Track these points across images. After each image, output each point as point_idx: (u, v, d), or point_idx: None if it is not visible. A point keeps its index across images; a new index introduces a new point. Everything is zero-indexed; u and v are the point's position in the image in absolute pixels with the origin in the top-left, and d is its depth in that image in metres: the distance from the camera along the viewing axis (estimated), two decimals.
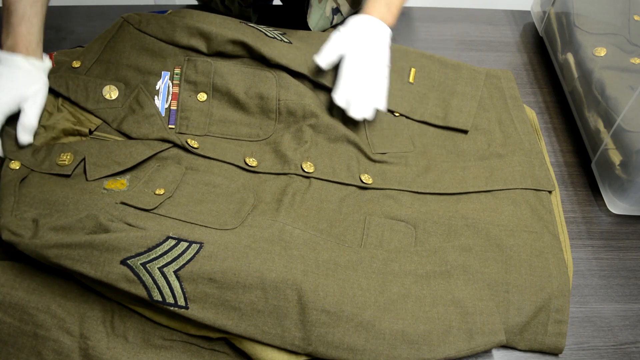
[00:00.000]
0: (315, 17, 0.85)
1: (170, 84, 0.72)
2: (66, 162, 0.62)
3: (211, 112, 0.72)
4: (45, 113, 0.67)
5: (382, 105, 0.71)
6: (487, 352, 0.58)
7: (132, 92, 0.70)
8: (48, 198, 0.59)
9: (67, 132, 0.67)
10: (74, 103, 0.68)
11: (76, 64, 0.70)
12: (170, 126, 0.71)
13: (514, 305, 0.58)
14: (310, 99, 0.73)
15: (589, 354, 0.59)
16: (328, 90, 0.76)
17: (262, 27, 0.76)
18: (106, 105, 0.69)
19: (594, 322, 0.62)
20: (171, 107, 0.71)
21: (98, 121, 0.68)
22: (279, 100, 0.71)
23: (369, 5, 0.75)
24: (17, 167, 0.60)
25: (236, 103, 0.72)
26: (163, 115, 0.71)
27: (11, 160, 0.61)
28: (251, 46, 0.71)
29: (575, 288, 0.64)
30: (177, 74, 0.72)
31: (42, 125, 0.66)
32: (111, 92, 0.69)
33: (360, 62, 0.71)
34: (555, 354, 0.59)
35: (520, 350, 0.59)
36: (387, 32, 0.74)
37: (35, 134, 0.65)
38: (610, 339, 0.60)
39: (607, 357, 0.59)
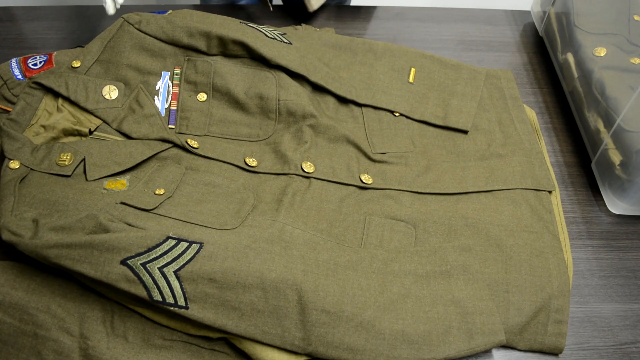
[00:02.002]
0: None
1: (170, 84, 0.72)
2: (66, 162, 0.62)
3: (211, 112, 0.72)
4: (45, 113, 0.67)
5: None
6: (487, 352, 0.58)
7: (132, 92, 0.70)
8: (48, 198, 0.59)
9: (67, 132, 0.67)
10: (74, 103, 0.68)
11: (76, 63, 0.70)
12: (170, 126, 0.71)
13: (514, 305, 0.58)
14: (309, 100, 0.73)
15: (589, 354, 0.59)
16: (327, 91, 0.76)
17: (262, 28, 0.76)
18: (106, 105, 0.69)
19: (594, 322, 0.62)
20: (171, 107, 0.71)
21: (98, 121, 0.68)
22: (278, 100, 0.71)
23: None
24: (17, 167, 0.60)
25: (236, 103, 0.72)
26: (163, 115, 0.71)
27: (11, 159, 0.61)
28: (251, 46, 0.71)
29: (575, 288, 0.64)
30: (177, 74, 0.72)
31: (42, 125, 0.66)
32: (111, 92, 0.69)
33: None
34: (555, 354, 0.59)
35: (520, 350, 0.59)
36: None
37: (35, 134, 0.65)
38: (610, 339, 0.60)
39: (607, 357, 0.59)
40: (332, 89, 0.75)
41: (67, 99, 0.68)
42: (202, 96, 0.72)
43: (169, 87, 0.72)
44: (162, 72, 0.72)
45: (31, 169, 0.61)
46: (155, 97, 0.71)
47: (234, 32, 0.71)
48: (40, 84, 0.67)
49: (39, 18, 0.95)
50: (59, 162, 0.62)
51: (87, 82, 0.69)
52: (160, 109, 0.71)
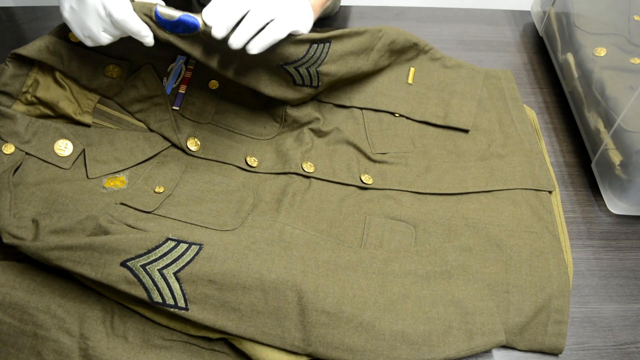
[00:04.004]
0: None
1: (184, 68, 0.71)
2: (65, 153, 0.62)
3: (219, 102, 0.72)
4: (40, 80, 0.63)
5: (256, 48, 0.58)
6: (487, 352, 0.58)
7: (137, 70, 0.68)
8: (47, 197, 0.59)
9: (69, 120, 0.65)
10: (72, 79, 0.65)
11: (74, 37, 0.62)
12: (174, 107, 0.70)
13: (514, 306, 0.58)
14: (313, 106, 0.73)
15: (589, 354, 0.59)
16: None
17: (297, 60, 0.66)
18: (107, 83, 0.66)
19: (594, 322, 0.62)
20: (179, 90, 0.70)
21: (98, 96, 0.67)
22: (285, 107, 0.72)
23: None
24: (11, 151, 0.59)
25: (245, 99, 0.72)
26: (169, 93, 0.70)
27: (5, 142, 0.58)
28: (278, 98, 0.69)
29: (575, 288, 0.64)
30: (192, 60, 0.71)
31: (37, 96, 0.62)
32: (113, 71, 0.66)
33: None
34: (555, 354, 0.59)
35: (520, 350, 0.59)
36: (310, 16, 0.64)
37: (28, 103, 0.62)
38: (610, 339, 0.60)
39: (607, 357, 0.59)
40: (331, 101, 0.75)
41: (63, 73, 0.64)
42: (213, 84, 0.72)
43: (182, 70, 0.71)
44: (178, 56, 0.70)
45: (26, 153, 0.59)
46: (165, 78, 0.70)
47: (263, 87, 0.68)
48: (27, 58, 0.61)
49: (39, 18, 0.95)
50: (58, 152, 0.61)
51: (86, 58, 0.64)
52: (167, 89, 0.70)
